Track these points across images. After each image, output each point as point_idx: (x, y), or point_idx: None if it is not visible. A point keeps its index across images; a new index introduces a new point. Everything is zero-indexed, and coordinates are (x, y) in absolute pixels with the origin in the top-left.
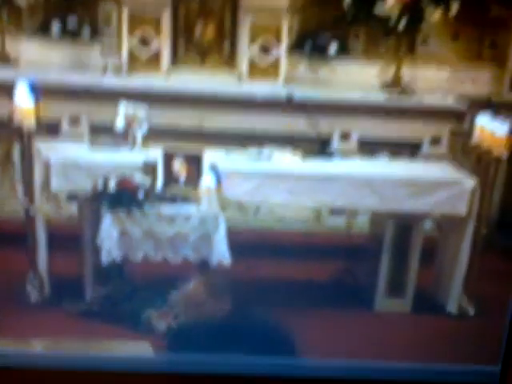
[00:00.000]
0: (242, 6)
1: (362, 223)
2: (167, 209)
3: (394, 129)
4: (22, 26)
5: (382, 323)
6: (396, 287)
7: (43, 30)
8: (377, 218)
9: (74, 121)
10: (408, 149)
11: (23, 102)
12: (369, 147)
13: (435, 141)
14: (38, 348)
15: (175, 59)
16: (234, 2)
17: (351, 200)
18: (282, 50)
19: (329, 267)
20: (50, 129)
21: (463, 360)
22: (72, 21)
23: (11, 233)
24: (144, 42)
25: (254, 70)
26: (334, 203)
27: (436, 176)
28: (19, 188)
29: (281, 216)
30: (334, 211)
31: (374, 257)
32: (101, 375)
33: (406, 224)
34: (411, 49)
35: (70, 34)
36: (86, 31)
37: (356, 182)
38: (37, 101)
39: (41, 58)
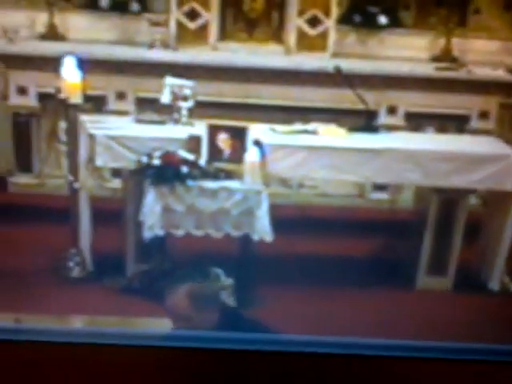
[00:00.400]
0: None
1: (406, 198)
2: (210, 184)
3: (441, 102)
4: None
5: (423, 301)
6: (438, 265)
7: (92, 3)
8: (421, 193)
9: (120, 95)
10: (455, 123)
11: (70, 76)
12: (415, 121)
13: (483, 114)
14: (78, 324)
15: (223, 32)
16: None
17: (395, 174)
18: (330, 22)
19: (370, 243)
20: (96, 103)
21: (506, 339)
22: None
23: (55, 208)
24: (192, 14)
25: (302, 42)
26: (378, 178)
27: (483, 150)
28: (64, 163)
29: (323, 191)
30: (378, 186)
31: (416, 233)
32: (139, 350)
33: (450, 199)
34: (462, 20)
35: (119, 8)
36: (135, 4)
37: (400, 156)
38: (84, 75)
39: (89, 32)
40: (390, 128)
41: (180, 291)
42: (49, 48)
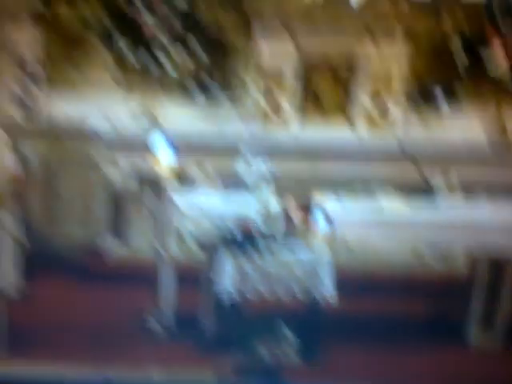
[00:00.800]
0: (362, 71)
1: (459, 263)
2: (282, 251)
3: (495, 174)
4: (170, 93)
5: (475, 357)
6: (489, 323)
7: (187, 95)
8: (473, 258)
9: (206, 174)
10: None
11: (164, 158)
12: (470, 192)
13: None
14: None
15: (299, 115)
16: (354, 68)
17: (452, 238)
18: (396, 103)
19: (427, 304)
20: (185, 180)
21: None
22: (213, 88)
23: (143, 273)
24: (272, 102)
25: (371, 123)
26: (435, 246)
27: None
28: (152, 232)
29: (385, 258)
30: (434, 250)
31: (468, 293)
32: None
33: (500, 263)
34: None
35: (210, 99)
36: (223, 96)
37: (456, 226)
38: (176, 157)
39: (184, 121)
40: (448, 197)
41: None
42: (146, 134)
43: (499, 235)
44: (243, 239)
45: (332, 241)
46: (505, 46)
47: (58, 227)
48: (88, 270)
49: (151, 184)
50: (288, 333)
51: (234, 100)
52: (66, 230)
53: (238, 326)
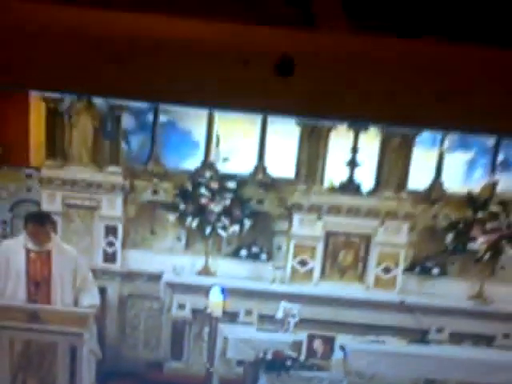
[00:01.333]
0: (374, 242)
1: None
2: (306, 373)
3: (476, 326)
4: (220, 250)
5: None
6: None
7: (234, 253)
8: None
9: (248, 312)
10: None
11: (215, 298)
12: (458, 338)
13: (506, 336)
14: None
15: (322, 274)
16: (368, 239)
17: (443, 374)
18: (398, 271)
19: None
20: (231, 316)
21: None
22: (255, 249)
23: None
24: (302, 262)
25: (379, 282)
26: (430, 375)
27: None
28: (204, 354)
29: (389, 382)
30: (429, 380)
31: None
32: None
33: None
34: (492, 272)
35: (253, 256)
36: (263, 255)
37: (448, 361)
38: (224, 298)
39: (231, 270)
40: (439, 342)
41: None
42: (202, 280)
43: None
44: (275, 362)
45: (347, 367)
46: (484, 232)
47: (127, 347)
48: (150, 380)
49: (207, 317)
50: None
51: (272, 259)
52: (134, 349)
53: None
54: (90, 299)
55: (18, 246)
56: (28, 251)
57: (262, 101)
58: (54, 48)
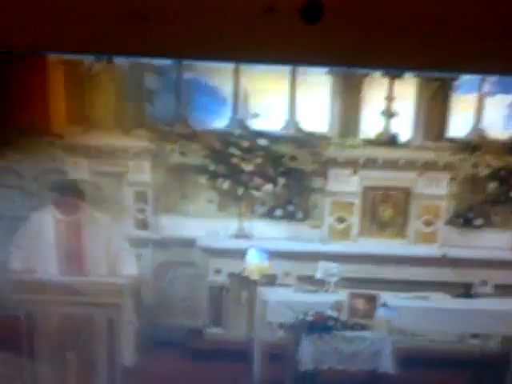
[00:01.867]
0: (413, 194)
1: (494, 343)
2: (349, 333)
3: None
4: (254, 211)
5: None
6: None
7: (269, 213)
8: (505, 340)
9: (287, 273)
10: None
11: (252, 261)
12: (503, 290)
13: None
14: None
15: (361, 231)
16: (407, 192)
17: (487, 327)
18: (440, 224)
19: (466, 378)
20: (269, 278)
21: None
22: (291, 208)
23: (236, 351)
24: (340, 219)
25: (419, 237)
26: (474, 329)
27: None
28: (243, 319)
29: (432, 338)
30: (473, 334)
31: (503, 370)
32: None
33: None
34: None
35: (289, 216)
36: (300, 213)
37: (493, 315)
38: (262, 261)
39: (267, 232)
40: (483, 296)
41: None
42: (238, 243)
43: None
44: (316, 323)
45: (390, 324)
46: None
47: (165, 315)
48: (191, 348)
49: (244, 281)
50: None
51: (308, 217)
52: (172, 317)
53: None
54: (128, 269)
55: (47, 217)
56: (57, 222)
57: (289, 50)
58: (71, 6)
